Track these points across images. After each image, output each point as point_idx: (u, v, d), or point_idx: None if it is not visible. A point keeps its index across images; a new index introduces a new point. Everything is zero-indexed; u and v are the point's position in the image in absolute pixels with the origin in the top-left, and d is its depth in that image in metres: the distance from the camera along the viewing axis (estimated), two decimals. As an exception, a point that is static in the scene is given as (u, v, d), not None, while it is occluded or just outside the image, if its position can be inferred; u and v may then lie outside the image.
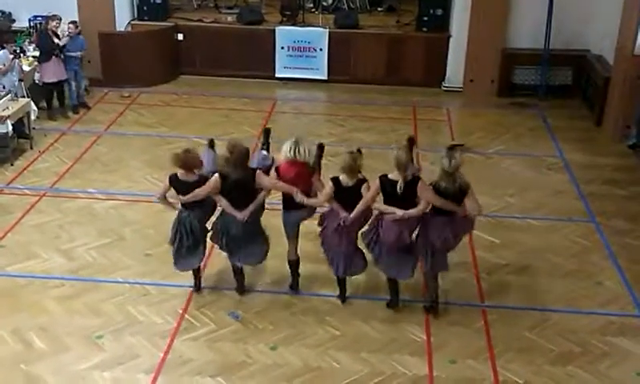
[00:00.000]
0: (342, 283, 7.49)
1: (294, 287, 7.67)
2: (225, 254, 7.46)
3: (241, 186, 6.94)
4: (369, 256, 7.29)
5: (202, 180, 7.04)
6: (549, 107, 12.97)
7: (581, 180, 10.32)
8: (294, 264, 7.60)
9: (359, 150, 7.19)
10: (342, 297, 7.52)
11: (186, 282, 7.65)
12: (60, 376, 6.43)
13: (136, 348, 6.78)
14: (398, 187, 6.73)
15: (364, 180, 6.99)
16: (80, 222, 8.89)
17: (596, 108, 12.37)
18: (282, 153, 7.09)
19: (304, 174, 7.11)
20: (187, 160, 6.99)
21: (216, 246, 7.50)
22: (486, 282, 7.83)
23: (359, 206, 6.91)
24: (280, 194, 7.32)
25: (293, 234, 7.42)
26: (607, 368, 6.71)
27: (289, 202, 7.21)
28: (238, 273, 7.52)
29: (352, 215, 6.93)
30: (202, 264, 7.57)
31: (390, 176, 6.83)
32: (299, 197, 7.05)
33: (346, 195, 6.95)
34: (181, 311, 7.30)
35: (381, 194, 6.92)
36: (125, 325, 7.09)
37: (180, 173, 7.03)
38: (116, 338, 6.91)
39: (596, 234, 8.95)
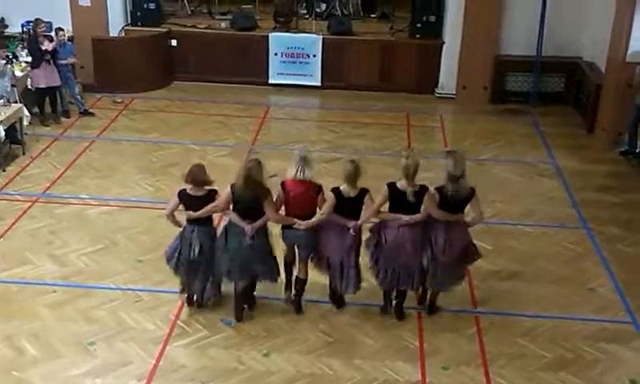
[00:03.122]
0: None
1: (295, 305, 7.40)
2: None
3: (250, 203, 6.83)
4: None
5: (212, 194, 6.97)
6: (541, 114, 13.03)
7: (573, 187, 10.36)
8: (299, 282, 7.33)
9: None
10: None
11: (179, 289, 7.65)
12: (52, 382, 6.40)
13: (128, 354, 6.76)
14: (408, 196, 6.74)
15: (366, 190, 6.92)
16: (72, 228, 8.86)
17: (588, 115, 12.42)
18: (290, 172, 6.97)
19: (310, 191, 6.98)
20: (198, 175, 6.91)
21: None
22: (478, 289, 7.84)
23: (367, 213, 6.91)
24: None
25: (290, 247, 7.29)
26: (599, 374, 6.72)
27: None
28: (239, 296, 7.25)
29: (359, 222, 6.92)
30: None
31: (397, 185, 6.83)
32: (302, 225, 6.97)
33: (348, 206, 6.91)
34: (173, 317, 7.28)
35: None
36: (117, 331, 7.06)
37: (189, 188, 6.95)
38: (108, 344, 6.88)
39: (588, 240, 8.98)
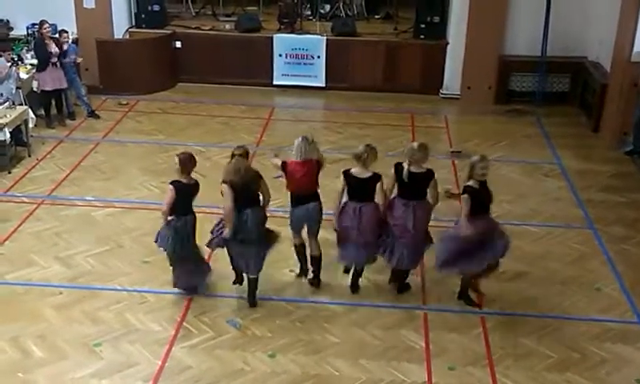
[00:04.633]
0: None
1: (315, 284, 7.81)
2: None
3: (244, 189, 7.09)
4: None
5: (196, 183, 7.22)
6: (546, 114, 13.00)
7: (578, 187, 10.34)
8: (315, 260, 7.75)
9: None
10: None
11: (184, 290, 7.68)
12: (58, 384, 6.42)
13: (134, 356, 6.77)
14: (404, 174, 7.11)
15: (379, 176, 7.20)
16: (78, 230, 8.88)
17: (593, 115, 12.40)
18: (293, 154, 7.41)
19: (311, 170, 7.40)
20: (188, 162, 7.13)
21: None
22: (484, 289, 7.82)
23: (381, 196, 7.21)
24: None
25: (295, 228, 7.63)
26: (606, 375, 6.71)
27: (294, 199, 7.49)
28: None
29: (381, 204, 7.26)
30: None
31: (403, 163, 7.24)
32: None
33: (358, 188, 7.21)
34: (179, 319, 7.29)
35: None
36: (123, 333, 7.07)
37: (183, 178, 7.12)
38: (114, 345, 6.89)
39: (594, 240, 8.96)
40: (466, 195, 7.01)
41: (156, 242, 7.34)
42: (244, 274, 7.54)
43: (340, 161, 10.88)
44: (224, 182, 7.04)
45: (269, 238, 7.40)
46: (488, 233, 7.14)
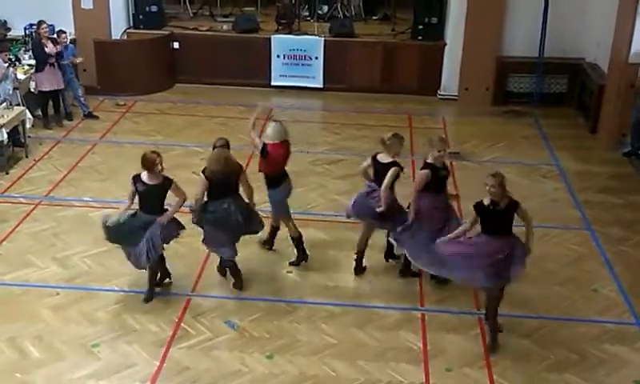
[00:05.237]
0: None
1: (297, 263, 8.13)
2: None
3: (225, 180, 7.31)
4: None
5: (168, 182, 7.26)
6: (544, 115, 13.00)
7: (576, 188, 10.35)
8: (297, 240, 8.06)
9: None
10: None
11: (182, 290, 7.67)
12: (55, 385, 6.40)
13: (132, 357, 6.76)
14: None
15: (396, 164, 7.46)
16: (75, 231, 8.86)
17: (591, 116, 12.42)
18: (267, 136, 7.75)
19: (287, 150, 7.89)
20: (151, 161, 7.16)
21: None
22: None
23: (386, 182, 7.41)
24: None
25: (282, 210, 7.99)
26: (604, 376, 6.71)
27: (272, 180, 7.81)
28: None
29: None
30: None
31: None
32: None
33: (380, 171, 7.51)
34: (176, 319, 7.28)
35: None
36: (120, 333, 7.06)
37: (144, 174, 7.23)
38: (112, 346, 6.88)
39: (591, 241, 8.97)
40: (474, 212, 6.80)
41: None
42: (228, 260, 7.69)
43: (338, 162, 10.92)
44: (203, 171, 7.26)
45: (250, 225, 7.58)
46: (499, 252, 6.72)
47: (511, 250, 6.71)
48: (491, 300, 6.94)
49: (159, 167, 7.13)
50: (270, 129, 7.78)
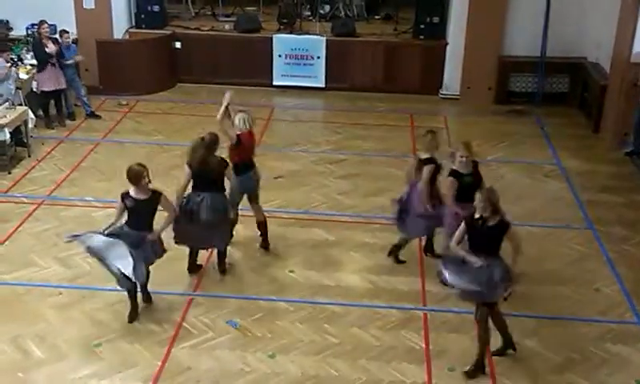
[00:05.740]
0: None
1: (265, 246, 8.42)
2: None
3: (210, 176, 7.46)
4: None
5: (157, 197, 7.01)
6: (546, 114, 12.99)
7: (578, 187, 10.34)
8: (262, 224, 8.36)
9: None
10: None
11: (185, 290, 7.68)
12: (57, 384, 6.41)
13: (134, 356, 6.76)
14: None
15: (430, 161, 7.67)
16: (78, 230, 8.82)
17: (593, 115, 12.40)
18: (237, 127, 8.00)
19: (254, 139, 8.34)
20: (139, 175, 6.87)
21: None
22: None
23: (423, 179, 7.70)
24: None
25: (241, 198, 8.15)
26: (606, 376, 6.71)
27: (242, 168, 7.98)
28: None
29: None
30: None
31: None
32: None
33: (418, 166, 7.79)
34: (179, 319, 7.28)
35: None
36: (122, 333, 7.06)
37: (132, 189, 6.94)
38: (114, 346, 6.89)
39: (594, 241, 8.96)
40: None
41: None
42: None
43: (340, 161, 10.91)
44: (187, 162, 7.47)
45: (223, 225, 7.69)
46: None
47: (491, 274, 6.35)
48: (482, 323, 6.57)
49: (146, 180, 6.83)
50: (239, 119, 8.04)
